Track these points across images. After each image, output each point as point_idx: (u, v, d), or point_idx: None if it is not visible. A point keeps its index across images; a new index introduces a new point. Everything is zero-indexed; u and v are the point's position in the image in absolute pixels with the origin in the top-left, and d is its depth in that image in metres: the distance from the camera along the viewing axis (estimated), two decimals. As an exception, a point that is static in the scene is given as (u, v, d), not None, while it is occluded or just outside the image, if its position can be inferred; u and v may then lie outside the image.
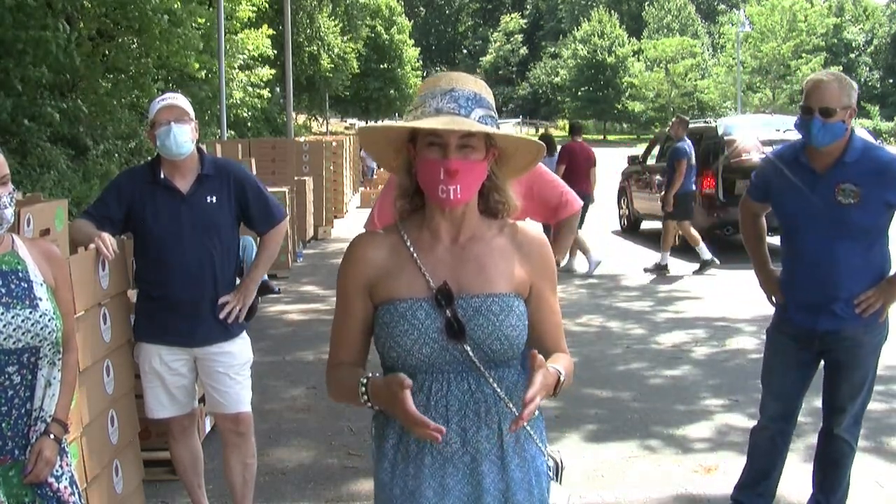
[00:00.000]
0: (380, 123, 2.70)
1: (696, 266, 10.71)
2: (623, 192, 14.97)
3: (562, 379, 1.86)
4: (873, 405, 5.17)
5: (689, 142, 10.83)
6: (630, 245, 13.45)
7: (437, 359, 1.87)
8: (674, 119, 11.39)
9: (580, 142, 11.45)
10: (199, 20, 15.41)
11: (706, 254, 10.63)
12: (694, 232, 10.71)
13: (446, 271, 1.91)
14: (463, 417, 1.89)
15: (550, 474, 2.03)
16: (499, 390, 1.90)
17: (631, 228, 14.70)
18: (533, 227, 2.05)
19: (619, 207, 15.19)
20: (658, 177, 13.16)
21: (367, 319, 1.97)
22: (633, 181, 14.39)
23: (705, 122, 14.40)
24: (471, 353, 1.87)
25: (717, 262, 10.53)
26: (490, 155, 1.91)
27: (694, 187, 10.95)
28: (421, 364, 1.88)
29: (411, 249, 1.93)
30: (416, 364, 1.88)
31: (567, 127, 69.71)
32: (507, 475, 1.92)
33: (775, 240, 3.66)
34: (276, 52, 21.72)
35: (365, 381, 1.84)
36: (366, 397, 1.84)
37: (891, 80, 60.48)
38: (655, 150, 14.30)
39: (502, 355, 1.89)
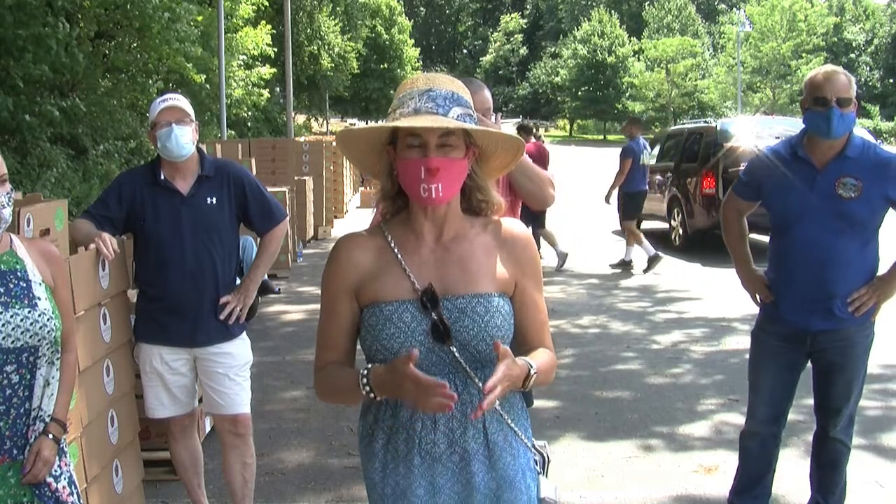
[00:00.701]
0: (358, 127, 2.67)
1: (617, 262, 11.04)
2: None
3: (532, 372, 1.85)
4: (872, 404, 5.19)
5: (642, 142, 10.99)
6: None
7: (423, 361, 1.86)
8: (626, 120, 11.63)
9: (535, 142, 11.62)
10: (198, 17, 15.41)
11: (629, 255, 10.94)
12: (633, 232, 10.93)
13: (431, 272, 1.92)
14: (450, 418, 1.90)
15: (538, 468, 2.04)
16: None
17: None
18: (517, 225, 2.04)
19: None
20: (658, 176, 13.21)
21: (353, 321, 1.97)
22: None
23: (705, 121, 14.39)
24: (457, 355, 1.87)
25: (633, 268, 10.87)
26: (470, 153, 1.92)
27: (646, 186, 11.20)
28: None
29: (395, 251, 1.94)
30: None
31: (566, 126, 69.05)
32: (497, 473, 1.93)
33: (764, 238, 3.63)
34: (276, 50, 21.71)
35: (365, 371, 1.84)
36: (368, 388, 1.83)
37: (891, 80, 60.47)
38: (655, 151, 14.24)
39: (488, 355, 1.89)
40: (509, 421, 1.97)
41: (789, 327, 3.50)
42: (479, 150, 1.95)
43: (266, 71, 20.99)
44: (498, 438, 1.94)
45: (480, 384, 1.88)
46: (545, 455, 2.08)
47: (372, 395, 1.84)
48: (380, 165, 1.98)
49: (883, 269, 3.46)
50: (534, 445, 2.05)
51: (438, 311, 1.86)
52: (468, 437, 1.91)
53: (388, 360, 1.88)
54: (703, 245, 11.95)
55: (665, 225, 13.09)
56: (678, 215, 12.35)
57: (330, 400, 2.02)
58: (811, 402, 3.65)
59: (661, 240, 13.01)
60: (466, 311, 1.88)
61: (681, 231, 12.31)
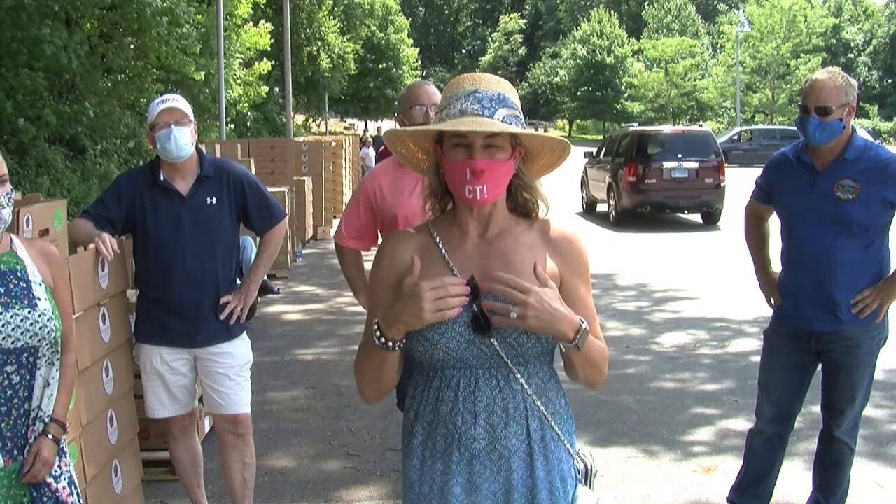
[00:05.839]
0: (405, 128, 2.69)
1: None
2: (583, 181, 18.69)
3: (584, 327, 1.82)
4: (874, 407, 5.19)
5: None
6: (589, 224, 16.07)
7: (464, 353, 1.88)
8: None
9: None
10: (198, 17, 15.39)
11: None
12: None
13: (474, 266, 1.92)
14: (491, 414, 1.89)
15: (580, 477, 2.02)
16: (527, 387, 1.90)
17: (589, 209, 18.26)
18: (565, 224, 2.04)
19: (582, 192, 18.77)
20: (602, 169, 16.99)
21: None
22: (589, 172, 18.30)
23: (633, 126, 18.96)
24: (498, 348, 1.87)
25: None
26: (516, 154, 1.92)
27: None
28: (448, 358, 1.89)
29: (440, 246, 1.95)
30: (444, 358, 1.88)
31: (565, 126, 68.93)
32: (534, 473, 1.92)
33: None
34: (274, 46, 21.67)
35: (376, 321, 1.84)
36: (378, 332, 1.82)
37: (889, 81, 60.48)
38: (604, 149, 17.90)
39: (530, 350, 1.89)
40: (552, 422, 1.95)
41: (794, 328, 3.54)
42: (525, 150, 1.94)
43: (265, 65, 20.91)
44: (537, 437, 1.93)
45: (523, 381, 1.89)
46: (588, 465, 2.05)
47: (383, 339, 1.82)
48: (427, 163, 2.00)
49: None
50: (578, 453, 2.03)
51: (479, 303, 1.85)
52: (510, 434, 1.90)
53: (428, 352, 1.89)
54: (629, 220, 15.62)
55: (606, 206, 16.87)
56: (612, 198, 16.23)
57: (367, 387, 1.97)
58: (817, 405, 3.66)
59: (602, 217, 16.84)
60: (508, 304, 1.86)
61: (614, 210, 16.15)
